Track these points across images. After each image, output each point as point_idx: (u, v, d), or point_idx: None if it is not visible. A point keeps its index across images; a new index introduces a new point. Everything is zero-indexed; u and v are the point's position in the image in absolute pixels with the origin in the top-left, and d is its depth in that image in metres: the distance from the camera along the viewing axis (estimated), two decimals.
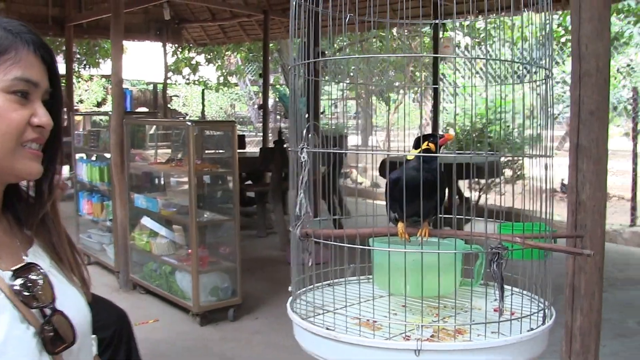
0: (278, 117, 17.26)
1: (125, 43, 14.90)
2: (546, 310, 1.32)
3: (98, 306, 2.68)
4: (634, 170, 7.20)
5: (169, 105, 19.16)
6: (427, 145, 1.47)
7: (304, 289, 1.45)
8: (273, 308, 4.38)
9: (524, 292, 1.46)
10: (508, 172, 8.27)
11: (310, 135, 1.35)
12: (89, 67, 13.94)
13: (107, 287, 4.90)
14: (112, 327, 2.57)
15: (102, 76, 17.49)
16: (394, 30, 10.83)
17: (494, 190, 8.25)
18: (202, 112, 16.10)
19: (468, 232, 1.36)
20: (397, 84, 15.49)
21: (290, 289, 1.42)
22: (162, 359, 3.64)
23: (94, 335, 1.95)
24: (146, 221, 4.62)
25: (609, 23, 2.00)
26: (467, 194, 7.41)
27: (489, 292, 1.42)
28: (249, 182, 7.76)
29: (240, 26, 11.50)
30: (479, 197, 7.80)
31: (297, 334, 1.35)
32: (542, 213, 1.39)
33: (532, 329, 1.24)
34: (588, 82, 1.98)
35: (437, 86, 8.08)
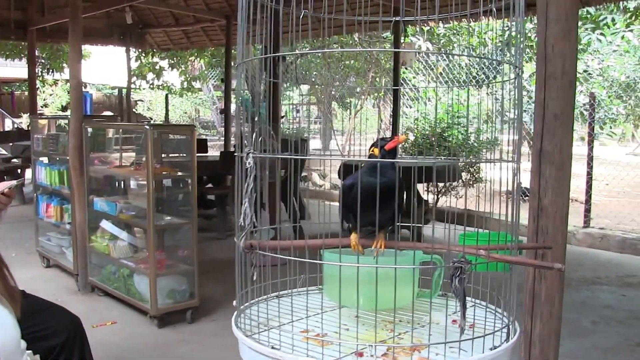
0: (246, 121, 17.04)
1: (89, 47, 14.64)
2: (510, 327, 1.21)
3: (50, 312, 2.51)
4: (589, 173, 7.24)
5: (134, 110, 18.80)
6: (372, 151, 1.35)
7: (250, 302, 1.31)
8: (230, 310, 4.19)
9: (488, 305, 1.36)
10: (466, 176, 8.24)
11: (258, 139, 1.22)
12: (53, 72, 13.53)
13: (66, 289, 4.71)
14: (64, 333, 2.43)
15: (67, 80, 17.06)
16: (355, 36, 10.74)
17: (451, 193, 8.23)
18: (166, 116, 15.80)
19: (429, 244, 1.24)
20: (358, 89, 15.48)
21: (234, 303, 1.28)
22: None
23: (29, 351, 1.77)
24: (105, 224, 4.44)
25: (576, 24, 1.91)
26: (425, 197, 7.35)
27: (448, 303, 1.31)
28: (210, 185, 7.61)
29: (203, 31, 11.30)
30: (437, 200, 7.76)
31: (242, 351, 1.22)
32: (508, 221, 1.28)
33: (495, 347, 1.13)
34: (553, 85, 1.88)
35: (397, 87, 8.02)
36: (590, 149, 7.17)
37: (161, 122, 16.30)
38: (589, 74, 10.88)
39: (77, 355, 2.46)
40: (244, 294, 1.31)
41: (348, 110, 17.65)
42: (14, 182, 2.30)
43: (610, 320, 4.24)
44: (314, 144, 17.73)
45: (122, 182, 4.89)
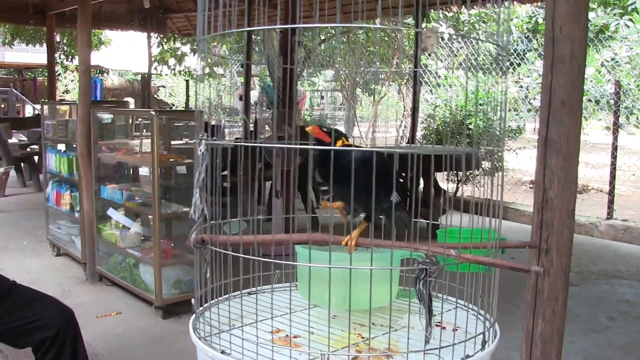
0: (265, 108, 16.99)
1: (110, 33, 14.67)
2: (486, 334, 1.11)
3: (41, 304, 2.46)
4: (613, 164, 7.04)
5: (155, 96, 18.85)
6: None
7: (212, 302, 1.23)
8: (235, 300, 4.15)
9: (470, 306, 1.26)
10: (487, 165, 8.07)
11: (214, 125, 1.14)
12: (73, 58, 13.57)
13: (74, 278, 4.71)
14: (55, 326, 2.38)
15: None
16: (377, 21, 10.56)
17: (472, 182, 8.07)
18: (187, 102, 15.79)
19: (404, 243, 1.14)
20: (382, 75, 15.31)
21: (193, 302, 1.21)
22: (121, 353, 3.44)
23: None
24: (111, 213, 4.40)
25: (587, 4, 1.78)
26: (445, 186, 7.22)
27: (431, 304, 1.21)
28: (225, 172, 7.54)
29: (223, 16, 11.21)
30: (457, 189, 7.61)
31: (198, 356, 1.14)
32: (492, 217, 1.18)
33: (468, 357, 1.03)
34: (561, 70, 1.75)
35: (416, 70, 7.86)
36: (615, 138, 6.95)
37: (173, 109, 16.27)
38: (617, 62, 10.57)
39: (69, 347, 2.41)
40: (204, 293, 1.23)
41: (372, 97, 17.46)
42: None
43: (628, 316, 4.10)
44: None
45: (131, 170, 4.86)
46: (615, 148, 6.98)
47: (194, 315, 1.20)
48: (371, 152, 1.26)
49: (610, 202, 6.95)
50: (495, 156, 1.78)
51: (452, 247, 1.06)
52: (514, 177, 9.16)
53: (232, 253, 1.13)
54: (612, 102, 8.35)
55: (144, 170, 4.72)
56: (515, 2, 7.51)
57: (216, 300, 1.25)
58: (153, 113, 3.80)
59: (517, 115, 9.89)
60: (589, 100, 9.69)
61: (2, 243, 5.82)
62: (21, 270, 4.92)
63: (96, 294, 4.35)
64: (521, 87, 10.32)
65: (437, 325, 1.13)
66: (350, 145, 1.29)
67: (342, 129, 17.73)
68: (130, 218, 4.32)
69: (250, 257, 1.11)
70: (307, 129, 1.36)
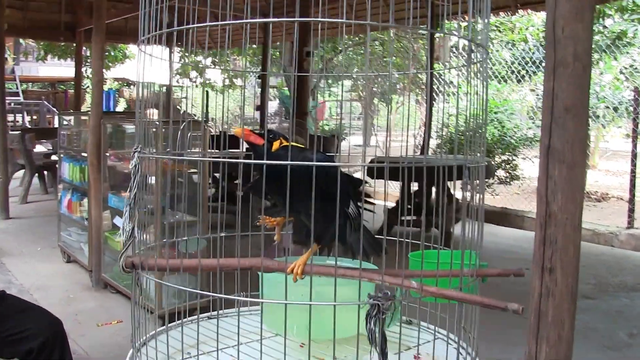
0: (283, 118, 16.92)
1: (133, 47, 14.72)
2: None
3: (29, 314, 2.34)
4: (633, 171, 6.79)
5: (178, 107, 18.88)
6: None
7: (152, 334, 1.08)
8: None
9: (450, 335, 1.08)
10: (501, 173, 7.86)
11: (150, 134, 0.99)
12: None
13: (80, 285, 4.65)
14: (41, 337, 2.28)
15: (115, 79, 17.29)
16: (392, 32, 10.42)
17: (487, 191, 7.85)
18: (206, 113, 15.79)
19: (352, 270, 0.97)
20: (398, 85, 15.13)
21: (131, 340, 1.06)
22: None
23: None
24: (118, 221, 4.30)
25: (591, 2, 1.60)
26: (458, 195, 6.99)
27: (407, 334, 1.04)
28: (238, 181, 7.43)
29: (241, 28, 11.18)
30: (472, 197, 7.39)
31: None
32: (469, 236, 1.00)
33: None
34: (563, 73, 1.57)
35: (431, 70, 7.68)
36: (635, 145, 6.69)
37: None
38: (635, 68, 10.24)
39: (57, 358, 2.31)
40: (143, 323, 1.08)
41: (389, 106, 17.28)
42: None
43: None
44: (357, 140, 17.46)
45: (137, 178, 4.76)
46: (634, 155, 6.74)
47: (131, 352, 1.06)
48: (319, 155, 1.09)
49: (631, 210, 6.69)
50: (477, 166, 1.59)
51: (414, 275, 0.89)
52: (530, 185, 8.92)
53: (159, 281, 0.98)
54: (631, 109, 8.10)
55: (151, 180, 4.61)
56: (529, 10, 7.30)
57: (157, 330, 1.10)
58: (157, 123, 3.68)
59: (533, 123, 9.65)
60: (607, 107, 9.41)
61: (18, 248, 5.86)
62: (31, 275, 4.89)
63: (100, 301, 4.27)
64: (537, 95, 10.07)
65: (414, 358, 0.96)
66: (294, 148, 1.13)
67: (359, 138, 17.57)
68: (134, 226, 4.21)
69: (179, 287, 0.96)
70: (233, 131, 1.21)
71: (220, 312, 1.21)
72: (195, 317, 1.15)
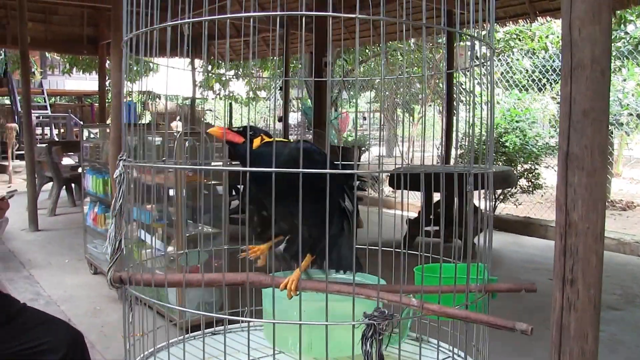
0: (307, 129, 16.91)
1: (157, 60, 14.86)
2: None
3: (49, 327, 2.30)
4: None
5: (202, 119, 19.01)
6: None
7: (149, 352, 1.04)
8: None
9: (458, 352, 1.01)
10: (524, 182, 7.71)
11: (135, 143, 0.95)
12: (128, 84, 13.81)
13: (106, 297, 4.64)
14: (62, 350, 2.24)
15: (139, 92, 17.46)
16: (411, 42, 10.36)
17: (509, 200, 7.72)
18: (230, 125, 15.88)
19: (346, 285, 0.91)
20: (421, 96, 15.01)
21: None
22: None
23: None
24: (141, 233, 4.27)
25: (609, 2, 1.53)
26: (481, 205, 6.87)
27: (413, 352, 0.98)
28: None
29: (263, 41, 11.22)
30: (495, 207, 7.26)
31: None
32: (481, 247, 0.94)
33: None
34: (581, 76, 1.50)
35: (450, 71, 7.59)
36: None
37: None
38: None
39: None
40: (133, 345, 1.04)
41: (411, 117, 17.18)
42: (3, 193, 2.13)
43: None
44: (376, 151, 17.38)
45: (161, 190, 4.75)
46: None
47: None
48: (306, 145, 1.02)
49: None
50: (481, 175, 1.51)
51: (414, 290, 0.82)
52: (552, 194, 8.76)
53: (148, 298, 0.93)
54: None
55: (173, 192, 4.60)
56: (548, 18, 7.19)
57: (156, 348, 1.06)
58: (176, 134, 3.67)
59: (555, 131, 9.49)
60: (630, 114, 9.21)
61: (46, 260, 5.90)
62: (59, 287, 4.91)
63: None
64: (558, 103, 9.90)
65: None
66: (279, 143, 1.06)
67: (383, 149, 17.44)
68: (157, 238, 4.19)
69: (170, 305, 0.92)
70: (209, 131, 1.15)
71: (226, 327, 1.15)
72: (199, 332, 1.10)
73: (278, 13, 1.13)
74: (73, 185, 9.35)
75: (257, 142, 1.13)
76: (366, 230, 1.54)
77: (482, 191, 1.48)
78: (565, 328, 1.55)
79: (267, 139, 1.15)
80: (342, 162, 1.45)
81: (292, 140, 1.17)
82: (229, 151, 1.16)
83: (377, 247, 1.11)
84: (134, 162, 0.99)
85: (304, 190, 0.92)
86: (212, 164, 4.27)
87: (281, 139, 1.17)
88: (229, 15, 1.19)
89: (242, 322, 1.24)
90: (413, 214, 6.74)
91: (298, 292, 0.95)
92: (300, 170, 0.91)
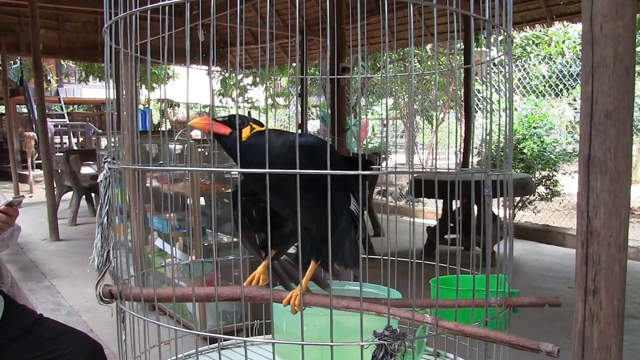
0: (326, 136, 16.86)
1: (176, 68, 14.92)
2: None
3: (68, 338, 2.25)
4: None
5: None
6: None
7: None
8: None
9: None
10: (542, 189, 7.58)
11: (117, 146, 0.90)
12: (141, 92, 13.91)
13: (128, 307, 4.57)
14: None
15: (158, 99, 17.55)
16: (428, 47, 10.27)
17: (528, 207, 7.59)
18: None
19: (354, 302, 0.84)
20: (440, 103, 14.91)
21: None
22: None
23: None
24: (159, 243, 4.25)
25: None
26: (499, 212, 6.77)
27: None
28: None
29: (281, 48, 11.21)
30: (513, 215, 7.14)
31: None
32: (501, 256, 0.86)
33: None
34: (604, 74, 1.42)
35: (469, 66, 7.49)
36: None
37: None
38: None
39: None
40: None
41: (430, 124, 17.09)
42: (10, 199, 2.08)
43: None
44: (400, 158, 17.24)
45: (179, 199, 4.72)
46: None
47: None
48: (304, 138, 0.93)
49: None
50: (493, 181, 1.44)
51: (428, 305, 0.76)
52: (570, 201, 8.61)
53: (140, 316, 0.88)
54: None
55: (189, 200, 4.56)
56: (565, 22, 7.07)
57: None
58: (191, 142, 3.64)
59: (572, 137, 9.34)
60: None
61: (67, 270, 5.89)
62: (80, 297, 4.88)
63: (147, 323, 4.21)
64: (576, 109, 9.75)
65: None
66: (271, 132, 0.98)
67: (402, 157, 17.35)
68: (175, 248, 4.16)
69: (168, 326, 0.86)
70: (191, 123, 1.06)
71: (233, 341, 1.10)
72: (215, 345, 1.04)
73: None
74: (93, 194, 9.35)
75: (246, 132, 1.03)
76: (386, 239, 1.48)
77: (502, 198, 1.40)
78: (587, 340, 1.47)
79: (257, 128, 1.06)
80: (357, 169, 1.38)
81: (287, 131, 1.07)
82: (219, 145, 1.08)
83: (393, 257, 1.05)
84: (120, 165, 0.94)
85: (305, 189, 0.85)
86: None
87: (274, 128, 1.08)
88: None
89: (238, 340, 1.18)
90: (433, 222, 6.65)
91: (303, 307, 0.89)
92: (298, 171, 0.84)
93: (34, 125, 16.53)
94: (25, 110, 18.24)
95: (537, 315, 3.84)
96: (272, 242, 0.94)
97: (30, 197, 12.05)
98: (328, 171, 0.84)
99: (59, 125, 17.86)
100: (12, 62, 16.61)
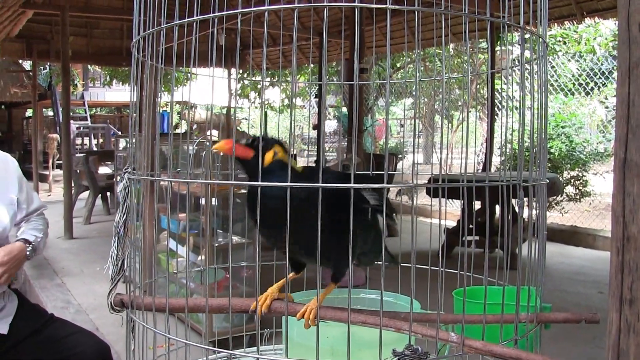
0: (342, 136, 16.83)
1: (194, 69, 15.02)
2: None
3: (76, 338, 2.26)
4: None
5: (238, 128, 19.14)
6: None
7: None
8: None
9: None
10: (570, 190, 7.47)
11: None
12: (161, 94, 14.05)
13: None
14: None
15: (177, 102, 17.70)
16: (450, 47, 10.19)
17: (555, 208, 7.49)
18: (265, 133, 15.91)
19: (371, 317, 0.80)
20: (460, 102, 14.81)
21: None
22: None
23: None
24: (170, 243, 4.27)
25: None
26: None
27: None
28: None
29: (299, 49, 11.21)
30: (544, 218, 7.05)
31: None
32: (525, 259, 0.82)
33: None
34: None
35: (493, 69, 7.42)
36: None
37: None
38: None
39: None
40: None
41: (450, 124, 16.98)
42: None
43: None
44: (415, 158, 17.05)
45: (192, 200, 4.72)
46: None
47: None
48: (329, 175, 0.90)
49: None
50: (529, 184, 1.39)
51: (452, 321, 0.71)
52: (602, 202, 8.46)
53: (149, 326, 0.85)
54: None
55: (203, 201, 4.57)
56: (596, 18, 6.92)
57: None
58: (207, 143, 3.63)
59: (604, 137, 9.20)
60: None
61: (79, 268, 5.96)
62: (89, 295, 4.92)
63: (155, 323, 4.23)
64: (607, 107, 9.60)
65: None
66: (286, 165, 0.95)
67: (421, 156, 17.24)
68: (186, 248, 4.17)
69: (175, 337, 0.84)
70: (214, 148, 1.02)
71: (242, 351, 1.07)
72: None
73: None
74: (108, 193, 9.53)
75: (269, 156, 1.01)
76: (407, 241, 1.44)
77: (530, 200, 1.36)
78: (623, 354, 1.42)
79: (280, 153, 1.03)
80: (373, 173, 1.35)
81: (308, 164, 1.04)
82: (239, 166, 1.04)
83: (405, 264, 1.01)
84: (140, 175, 0.92)
85: (323, 225, 0.83)
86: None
87: (294, 162, 1.05)
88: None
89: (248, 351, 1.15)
90: (451, 223, 6.58)
91: (316, 322, 0.86)
92: (320, 184, 0.82)
93: (57, 128, 16.83)
94: (51, 113, 18.58)
95: (564, 330, 3.77)
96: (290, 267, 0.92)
97: (48, 195, 12.26)
98: (352, 185, 0.82)
99: (81, 127, 18.18)
100: (41, 67, 16.92)
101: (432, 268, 1.18)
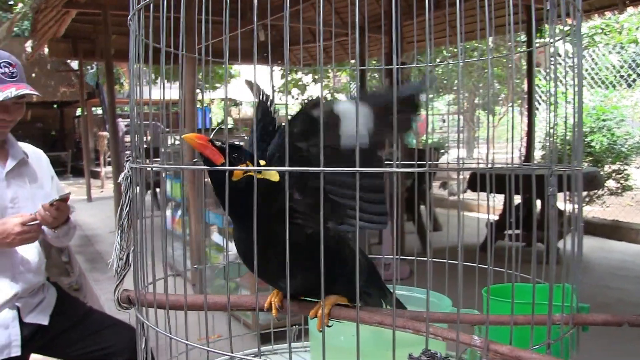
0: None
1: (238, 67, 15.11)
2: None
3: (113, 330, 2.29)
4: None
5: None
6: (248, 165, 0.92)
7: None
8: None
9: None
10: (612, 184, 7.24)
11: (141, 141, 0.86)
12: (204, 91, 14.15)
13: None
14: (126, 354, 2.24)
15: (222, 99, 17.83)
16: (489, 40, 9.97)
17: (596, 202, 7.28)
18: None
19: (389, 318, 0.77)
20: (501, 97, 14.52)
21: None
22: None
23: None
24: (215, 237, 4.30)
25: None
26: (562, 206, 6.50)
27: None
28: None
29: (340, 45, 11.14)
30: (580, 209, 6.86)
31: None
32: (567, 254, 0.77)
33: None
34: None
35: (531, 59, 7.23)
36: None
37: None
38: None
39: None
40: None
41: (492, 118, 16.67)
42: (56, 197, 2.10)
43: None
44: (456, 153, 16.82)
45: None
46: None
47: None
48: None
49: None
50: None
51: (476, 322, 0.67)
52: None
53: (154, 327, 0.84)
54: None
55: None
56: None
57: None
58: (246, 138, 3.65)
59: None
60: None
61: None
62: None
63: (202, 315, 4.28)
64: None
65: None
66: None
67: (462, 152, 16.96)
68: (226, 243, 4.21)
69: (185, 341, 0.82)
70: (183, 136, 0.95)
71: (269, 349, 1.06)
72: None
73: None
74: (157, 189, 9.64)
75: (239, 171, 0.94)
76: (444, 234, 1.41)
77: (568, 193, 1.29)
78: None
79: (252, 169, 0.93)
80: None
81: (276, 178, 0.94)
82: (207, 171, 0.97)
83: (436, 259, 0.98)
84: (141, 164, 0.90)
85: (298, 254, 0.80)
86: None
87: (264, 173, 0.95)
88: None
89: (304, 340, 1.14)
90: (493, 217, 6.46)
91: (331, 324, 0.83)
92: (322, 169, 0.79)
93: (107, 126, 17.17)
94: (99, 111, 18.96)
95: (604, 332, 3.64)
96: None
97: (101, 192, 12.53)
98: (357, 169, 0.79)
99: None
100: (88, 67, 17.27)
101: (480, 266, 1.14)
